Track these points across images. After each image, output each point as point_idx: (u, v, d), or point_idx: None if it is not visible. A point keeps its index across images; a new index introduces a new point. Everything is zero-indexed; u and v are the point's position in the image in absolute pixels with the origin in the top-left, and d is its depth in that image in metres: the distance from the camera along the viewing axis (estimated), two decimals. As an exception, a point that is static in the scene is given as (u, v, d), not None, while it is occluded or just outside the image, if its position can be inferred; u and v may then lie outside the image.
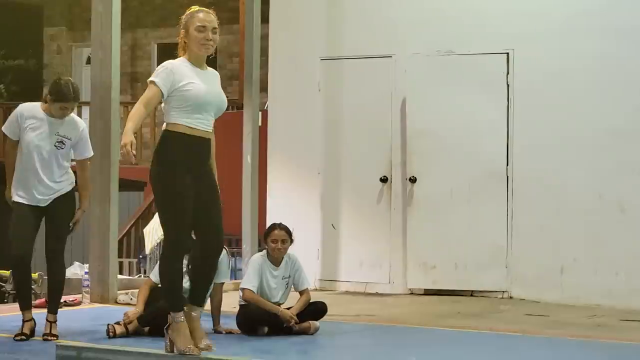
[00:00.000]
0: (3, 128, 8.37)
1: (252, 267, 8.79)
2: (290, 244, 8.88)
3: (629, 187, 11.16)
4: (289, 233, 8.87)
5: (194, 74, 6.91)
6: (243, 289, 8.69)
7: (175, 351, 6.78)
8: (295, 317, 8.64)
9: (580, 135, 11.38)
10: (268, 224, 9.39)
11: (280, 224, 9.06)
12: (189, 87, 6.82)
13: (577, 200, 11.38)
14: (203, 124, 6.91)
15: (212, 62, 20.10)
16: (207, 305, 8.83)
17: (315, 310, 8.93)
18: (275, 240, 8.82)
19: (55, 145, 8.20)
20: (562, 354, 8.22)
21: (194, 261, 7.16)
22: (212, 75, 7.15)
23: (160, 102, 6.97)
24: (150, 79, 6.90)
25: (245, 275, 8.89)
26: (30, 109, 8.32)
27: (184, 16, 7.07)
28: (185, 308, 6.91)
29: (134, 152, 6.54)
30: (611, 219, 11.24)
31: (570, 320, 10.02)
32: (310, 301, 8.92)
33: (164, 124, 6.95)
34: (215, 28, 7.03)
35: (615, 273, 11.15)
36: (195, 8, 7.10)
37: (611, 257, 11.19)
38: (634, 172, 11.13)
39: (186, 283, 7.29)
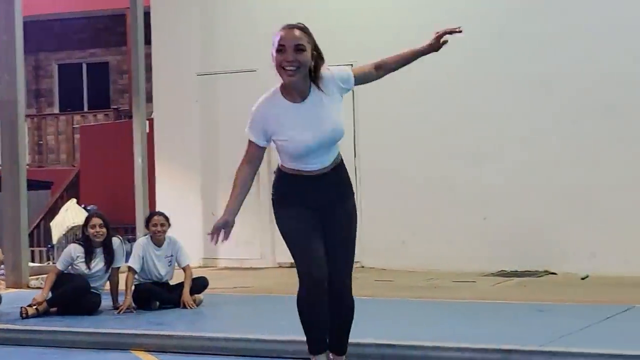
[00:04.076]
0: None
1: (136, 249, 8.75)
2: (169, 227, 8.80)
3: (455, 170, 11.28)
4: (166, 218, 8.83)
5: (289, 115, 4.93)
6: (129, 267, 8.64)
7: None
8: (192, 303, 8.57)
9: (417, 130, 11.46)
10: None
11: (159, 211, 9.22)
12: (282, 141, 4.94)
13: (413, 183, 11.47)
14: (311, 166, 5.00)
15: (102, 81, 19.91)
16: (107, 286, 8.72)
17: (199, 285, 8.86)
18: (155, 224, 8.77)
19: None
20: (405, 312, 8.27)
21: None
22: (316, 100, 4.98)
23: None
24: (246, 129, 5.12)
25: (131, 256, 8.74)
26: None
27: None
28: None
29: (222, 237, 4.99)
30: (442, 197, 11.35)
31: (412, 284, 10.08)
32: (194, 276, 8.82)
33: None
34: (299, 45, 4.80)
35: (447, 242, 11.25)
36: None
37: (443, 229, 11.30)
38: (458, 157, 11.24)
39: None
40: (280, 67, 4.82)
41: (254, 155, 5.05)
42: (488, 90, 11.17)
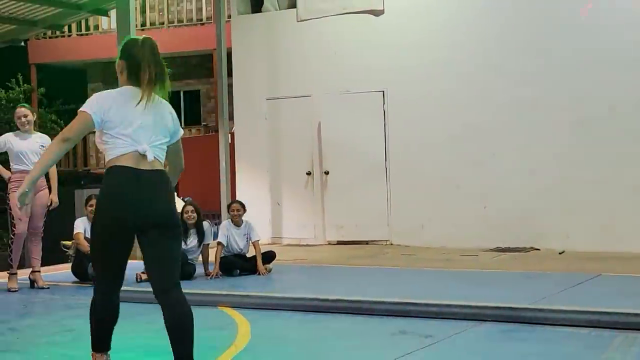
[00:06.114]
0: None
1: (222, 230, 8.81)
2: (244, 212, 8.83)
3: (464, 172, 11.21)
4: (242, 205, 8.86)
5: None
6: (218, 242, 8.70)
7: None
8: (265, 271, 8.63)
9: (433, 140, 11.40)
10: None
11: (237, 200, 9.26)
12: None
13: (430, 181, 11.42)
14: None
15: (195, 104, 20.05)
16: (200, 258, 8.80)
17: (269, 257, 8.91)
18: (234, 210, 8.81)
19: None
20: (424, 278, 8.26)
21: None
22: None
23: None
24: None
25: (219, 234, 8.83)
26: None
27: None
28: None
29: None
30: (451, 192, 11.29)
31: (429, 258, 10.05)
32: (264, 251, 8.87)
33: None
34: None
35: (456, 225, 11.19)
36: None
37: (452, 216, 11.24)
38: (467, 163, 11.18)
39: None
40: None
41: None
42: (487, 110, 11.09)
